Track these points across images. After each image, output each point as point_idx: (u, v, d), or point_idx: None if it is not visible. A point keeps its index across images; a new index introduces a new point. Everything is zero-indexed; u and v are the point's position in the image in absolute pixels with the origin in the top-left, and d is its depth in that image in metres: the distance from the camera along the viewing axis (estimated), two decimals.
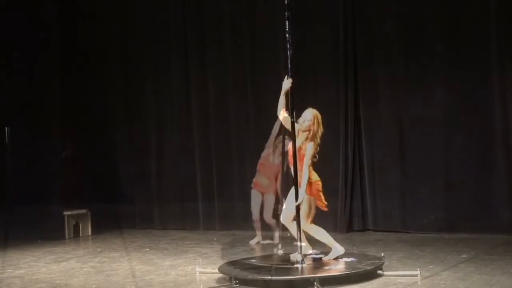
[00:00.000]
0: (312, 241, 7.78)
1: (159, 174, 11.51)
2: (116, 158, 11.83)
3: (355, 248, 8.25)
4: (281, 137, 8.78)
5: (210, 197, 11.04)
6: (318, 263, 7.58)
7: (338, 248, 7.64)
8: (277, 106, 7.52)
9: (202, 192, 11.11)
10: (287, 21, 7.48)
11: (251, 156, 10.48)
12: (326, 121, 10.23)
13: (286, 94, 7.44)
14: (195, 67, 11.24)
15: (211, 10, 11.18)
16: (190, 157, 11.21)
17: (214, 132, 11.10)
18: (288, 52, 7.49)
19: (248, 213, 9.65)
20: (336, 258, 7.59)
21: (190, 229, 10.93)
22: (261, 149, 9.57)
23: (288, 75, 7.43)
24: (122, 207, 11.50)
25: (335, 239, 7.75)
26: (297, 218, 7.39)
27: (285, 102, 7.50)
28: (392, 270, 7.53)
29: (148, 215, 11.46)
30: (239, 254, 8.42)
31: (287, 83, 7.42)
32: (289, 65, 7.47)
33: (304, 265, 7.45)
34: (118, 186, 11.72)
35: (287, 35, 7.49)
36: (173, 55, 11.43)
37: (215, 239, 8.85)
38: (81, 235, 10.44)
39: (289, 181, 7.78)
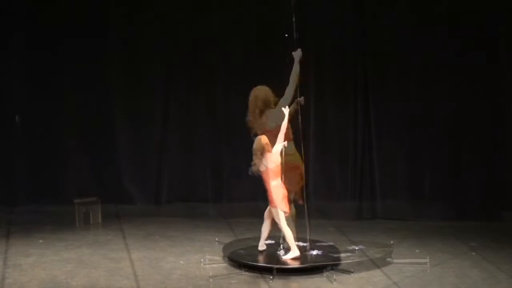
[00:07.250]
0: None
1: (166, 163, 11.48)
2: (121, 148, 11.77)
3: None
4: None
5: (219, 184, 11.05)
6: (327, 251, 7.60)
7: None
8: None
9: (211, 179, 11.11)
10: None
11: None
12: (336, 109, 10.27)
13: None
14: (202, 62, 11.14)
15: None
16: (197, 145, 11.20)
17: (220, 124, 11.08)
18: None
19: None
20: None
21: (199, 217, 10.92)
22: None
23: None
24: (130, 195, 11.49)
25: (344, 226, 7.75)
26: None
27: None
28: (401, 258, 7.54)
29: (155, 203, 11.44)
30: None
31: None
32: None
33: (312, 253, 7.48)
34: (125, 174, 11.68)
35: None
36: (179, 53, 11.32)
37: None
38: (91, 223, 10.45)
39: None
